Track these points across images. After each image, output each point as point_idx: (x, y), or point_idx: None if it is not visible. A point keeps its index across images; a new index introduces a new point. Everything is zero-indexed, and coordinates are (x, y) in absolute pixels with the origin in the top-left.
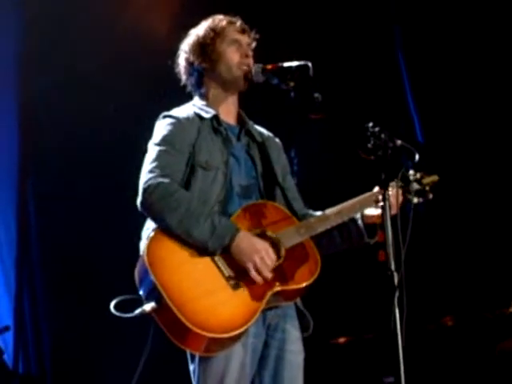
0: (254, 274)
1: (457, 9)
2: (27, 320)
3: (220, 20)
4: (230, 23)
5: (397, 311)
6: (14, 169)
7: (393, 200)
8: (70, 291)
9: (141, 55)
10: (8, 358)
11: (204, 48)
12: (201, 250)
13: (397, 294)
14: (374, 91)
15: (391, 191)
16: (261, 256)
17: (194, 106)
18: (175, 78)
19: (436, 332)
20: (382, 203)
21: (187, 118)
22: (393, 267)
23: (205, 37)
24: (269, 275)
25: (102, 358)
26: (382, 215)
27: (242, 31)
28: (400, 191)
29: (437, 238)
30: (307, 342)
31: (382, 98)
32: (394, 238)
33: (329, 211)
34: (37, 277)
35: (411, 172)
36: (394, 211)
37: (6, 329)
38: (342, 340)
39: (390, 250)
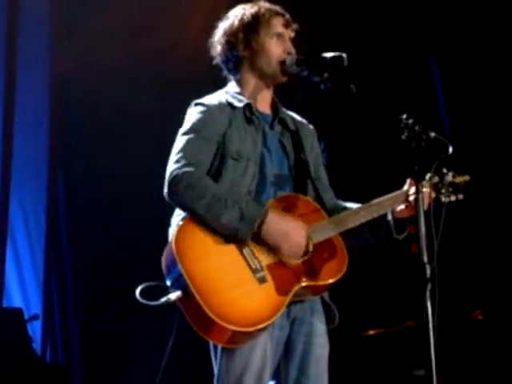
0: (287, 255)
1: (491, 10)
2: (55, 309)
3: (266, 9)
4: (276, 14)
5: (429, 304)
6: (44, 159)
7: (425, 196)
8: (98, 280)
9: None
10: (36, 346)
11: (247, 35)
12: (231, 238)
13: (429, 287)
14: (405, 88)
15: (424, 188)
16: (293, 237)
17: (227, 94)
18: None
19: (466, 326)
20: (415, 195)
21: (218, 107)
22: (425, 259)
23: (249, 24)
24: (301, 255)
25: (129, 346)
26: (416, 208)
27: (287, 25)
28: (431, 187)
29: (466, 233)
30: (337, 335)
31: (412, 95)
32: (427, 230)
33: (359, 207)
34: (66, 266)
35: (443, 170)
36: (425, 207)
37: (35, 317)
38: (371, 332)
39: (423, 243)
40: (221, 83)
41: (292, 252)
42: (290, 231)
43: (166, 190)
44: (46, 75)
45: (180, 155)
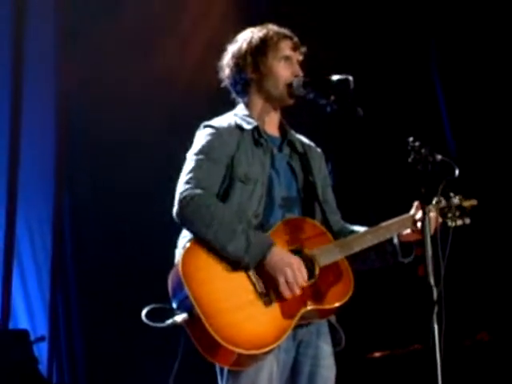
0: (283, 287)
1: (492, 22)
2: (61, 330)
3: (274, 32)
4: (284, 38)
5: (436, 326)
6: (49, 178)
7: (432, 221)
8: (103, 301)
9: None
10: (42, 367)
11: (255, 58)
12: (236, 263)
13: (436, 309)
14: (408, 104)
15: (431, 212)
16: (292, 270)
17: (236, 116)
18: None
19: (472, 347)
20: (421, 218)
21: (227, 129)
22: (432, 282)
23: (257, 47)
24: (298, 291)
25: (134, 368)
26: (422, 230)
27: (295, 48)
28: (438, 212)
29: (473, 255)
30: (343, 357)
31: (415, 112)
32: (434, 253)
33: (365, 231)
34: (71, 287)
35: (450, 194)
36: (432, 232)
37: (41, 339)
38: (377, 354)
39: (430, 265)
40: (229, 105)
41: (287, 287)
42: (289, 266)
43: (175, 209)
44: (51, 82)
45: (189, 177)
